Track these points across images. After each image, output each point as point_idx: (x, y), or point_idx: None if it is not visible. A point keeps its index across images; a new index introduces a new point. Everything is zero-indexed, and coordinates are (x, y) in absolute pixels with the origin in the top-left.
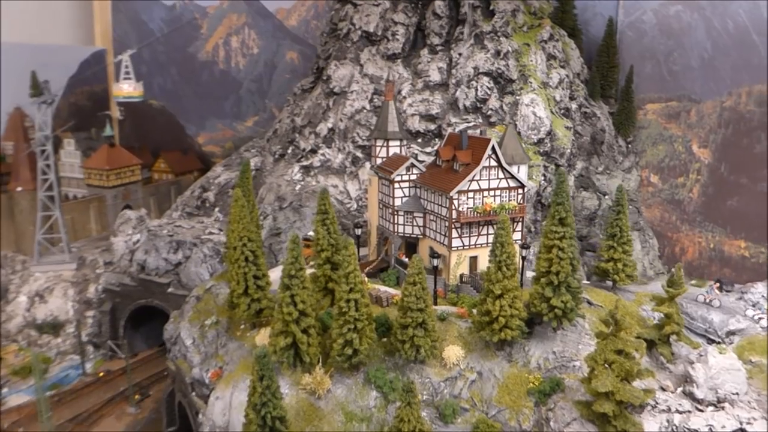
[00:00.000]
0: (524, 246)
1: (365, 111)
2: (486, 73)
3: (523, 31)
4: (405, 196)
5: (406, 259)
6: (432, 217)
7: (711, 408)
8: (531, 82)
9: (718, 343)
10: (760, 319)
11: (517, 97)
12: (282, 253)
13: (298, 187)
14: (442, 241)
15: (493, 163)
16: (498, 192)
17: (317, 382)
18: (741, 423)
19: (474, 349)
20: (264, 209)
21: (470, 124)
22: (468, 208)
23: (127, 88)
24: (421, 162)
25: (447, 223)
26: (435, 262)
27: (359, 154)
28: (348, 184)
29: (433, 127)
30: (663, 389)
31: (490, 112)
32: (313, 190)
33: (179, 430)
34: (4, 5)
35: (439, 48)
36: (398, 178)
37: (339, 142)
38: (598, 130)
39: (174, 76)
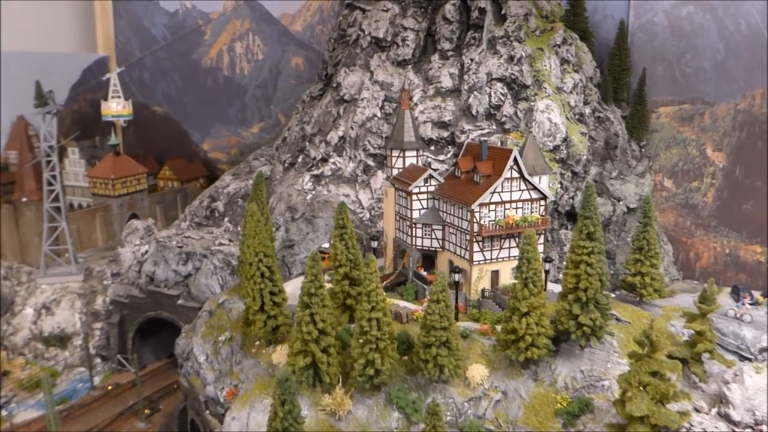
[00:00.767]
0: (547, 259)
1: (376, 118)
2: (499, 79)
3: (535, 35)
4: (423, 208)
5: (425, 273)
6: (451, 230)
7: (749, 431)
8: (545, 88)
9: (751, 360)
10: None
11: (532, 103)
12: (295, 265)
13: (309, 196)
14: (462, 255)
15: (515, 174)
16: (520, 204)
17: (337, 403)
18: None
19: (498, 367)
20: (276, 220)
21: (484, 131)
22: (490, 221)
23: (115, 107)
24: (434, 170)
25: (468, 237)
26: (456, 276)
27: (371, 162)
28: (360, 193)
29: (445, 134)
30: (697, 410)
31: (504, 119)
32: (325, 200)
33: None
34: (5, 14)
35: (450, 53)
36: (416, 190)
37: (350, 150)
38: (611, 135)
39: (177, 83)
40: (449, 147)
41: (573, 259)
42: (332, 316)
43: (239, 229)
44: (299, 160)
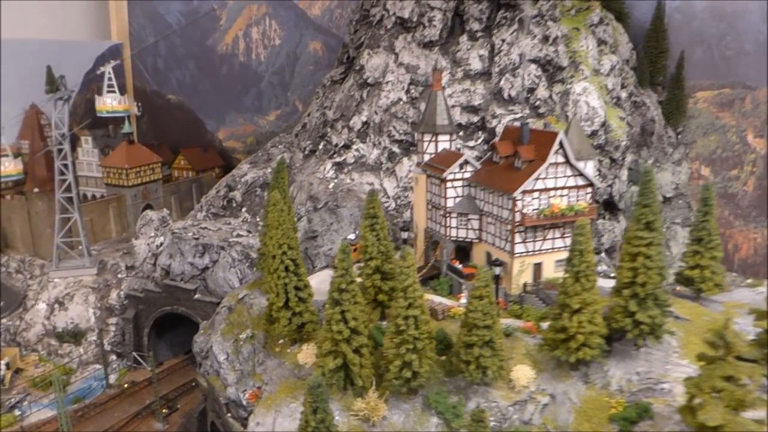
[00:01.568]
0: (597, 251)
1: (402, 103)
2: (533, 60)
3: (570, 14)
4: (458, 197)
5: (460, 266)
6: (490, 220)
7: None
8: (582, 70)
9: None
10: None
11: (568, 86)
12: (319, 258)
13: (331, 185)
14: (502, 247)
15: (561, 159)
16: (564, 191)
17: (371, 407)
18: None
19: (545, 368)
20: (297, 210)
21: (517, 116)
22: (533, 210)
23: (111, 103)
24: None
25: (509, 227)
26: (497, 270)
27: (396, 149)
28: (385, 181)
29: (475, 119)
30: None
31: (538, 103)
32: (348, 188)
33: None
34: (17, 1)
35: (479, 34)
36: (450, 177)
37: (374, 136)
38: (647, 120)
39: (192, 70)
40: (479, 132)
41: (629, 251)
42: (364, 313)
43: (258, 219)
44: (320, 147)
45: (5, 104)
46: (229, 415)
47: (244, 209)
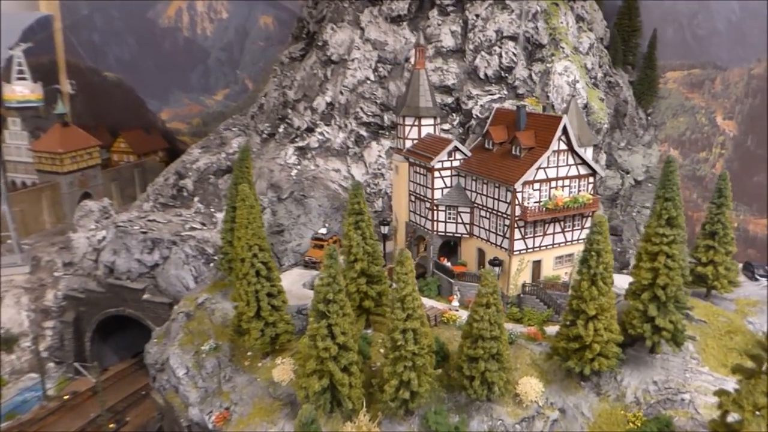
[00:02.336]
0: None
1: (369, 82)
2: (511, 38)
3: None
4: (446, 187)
5: (448, 264)
6: (483, 213)
7: None
8: (563, 48)
9: None
10: None
11: (548, 65)
12: (287, 255)
13: (294, 172)
14: (498, 243)
15: (563, 146)
16: (566, 182)
17: None
18: None
19: (552, 379)
20: (260, 201)
21: (495, 97)
22: (535, 202)
23: (21, 91)
24: None
25: (506, 222)
26: (496, 270)
27: (363, 132)
28: (353, 167)
29: (449, 100)
30: None
31: (516, 82)
32: (314, 176)
33: None
34: None
35: (450, 8)
36: (439, 165)
37: (340, 118)
38: (620, 102)
39: (132, 46)
40: (454, 114)
41: (649, 249)
42: (353, 325)
43: (212, 210)
44: (280, 130)
45: None
46: None
47: (196, 199)
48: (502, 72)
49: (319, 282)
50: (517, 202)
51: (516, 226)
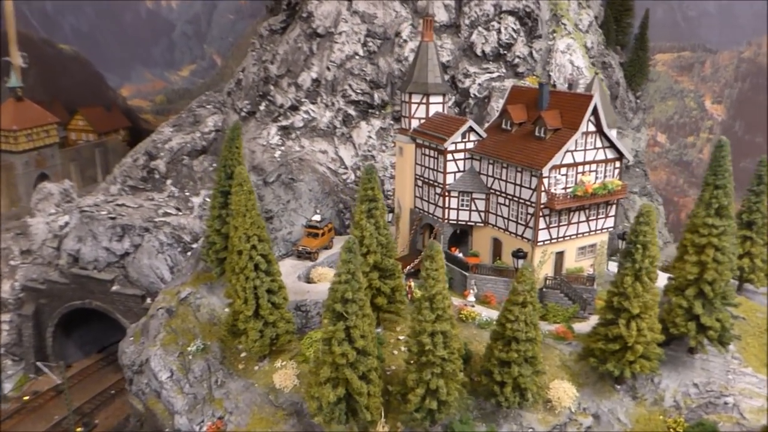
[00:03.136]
0: (622, 237)
1: (358, 57)
2: (511, 12)
3: None
4: (459, 171)
5: (460, 255)
6: (501, 200)
7: None
8: (564, 24)
9: None
10: None
11: (550, 42)
12: (277, 244)
13: (277, 153)
14: (519, 233)
15: (591, 128)
16: (594, 166)
17: None
18: None
19: (584, 382)
20: None
21: (493, 75)
22: (562, 189)
23: None
24: None
25: (530, 210)
26: (519, 262)
27: (352, 111)
28: (341, 149)
29: (444, 78)
30: None
31: (516, 60)
32: (300, 157)
33: None
34: None
35: None
36: (452, 147)
37: (326, 96)
38: (613, 83)
39: (90, 16)
40: (449, 95)
41: (695, 241)
42: (372, 327)
43: (187, 194)
44: (261, 108)
45: None
46: None
47: (169, 182)
48: (501, 49)
49: (336, 279)
50: (543, 189)
51: (541, 214)
